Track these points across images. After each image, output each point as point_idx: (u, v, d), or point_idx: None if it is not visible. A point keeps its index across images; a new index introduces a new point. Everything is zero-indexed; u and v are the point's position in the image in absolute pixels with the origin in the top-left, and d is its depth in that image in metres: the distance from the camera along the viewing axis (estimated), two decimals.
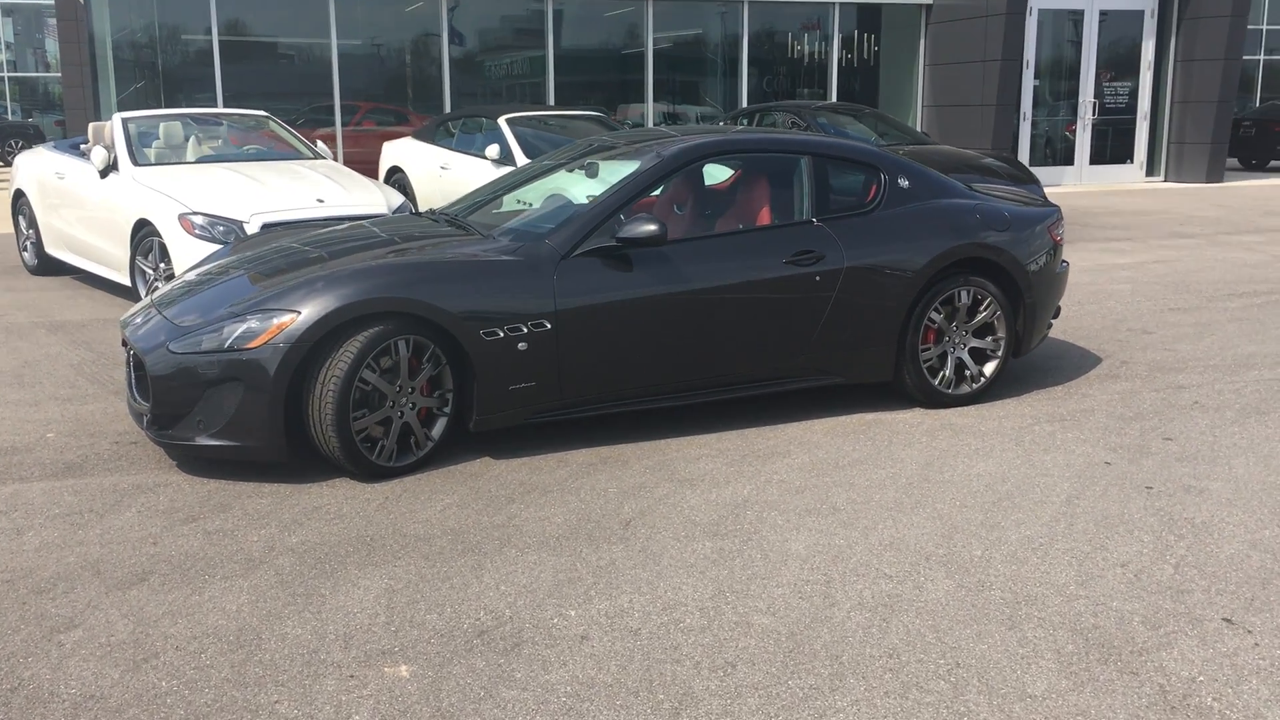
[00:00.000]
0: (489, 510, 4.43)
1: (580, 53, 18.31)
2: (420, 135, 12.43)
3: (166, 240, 7.77)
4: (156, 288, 7.98)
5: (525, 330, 4.89)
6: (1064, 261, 6.28)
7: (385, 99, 18.64)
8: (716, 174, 6.20)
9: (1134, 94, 19.16)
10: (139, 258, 8.10)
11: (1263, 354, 6.92)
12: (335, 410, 4.57)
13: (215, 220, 7.70)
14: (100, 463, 4.96)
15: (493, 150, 10.66)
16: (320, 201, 8.02)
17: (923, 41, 18.76)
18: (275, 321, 4.58)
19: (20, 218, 10.23)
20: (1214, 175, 18.64)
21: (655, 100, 18.03)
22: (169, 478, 4.77)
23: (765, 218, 5.62)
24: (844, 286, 5.48)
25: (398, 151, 12.45)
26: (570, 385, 5.05)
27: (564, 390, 5.05)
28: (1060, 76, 19.05)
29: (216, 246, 7.61)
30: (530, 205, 5.93)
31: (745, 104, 18.31)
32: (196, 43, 16.89)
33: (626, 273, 5.10)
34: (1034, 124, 18.76)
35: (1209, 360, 6.76)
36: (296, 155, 9.48)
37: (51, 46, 38.91)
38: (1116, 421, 5.55)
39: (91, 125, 9.64)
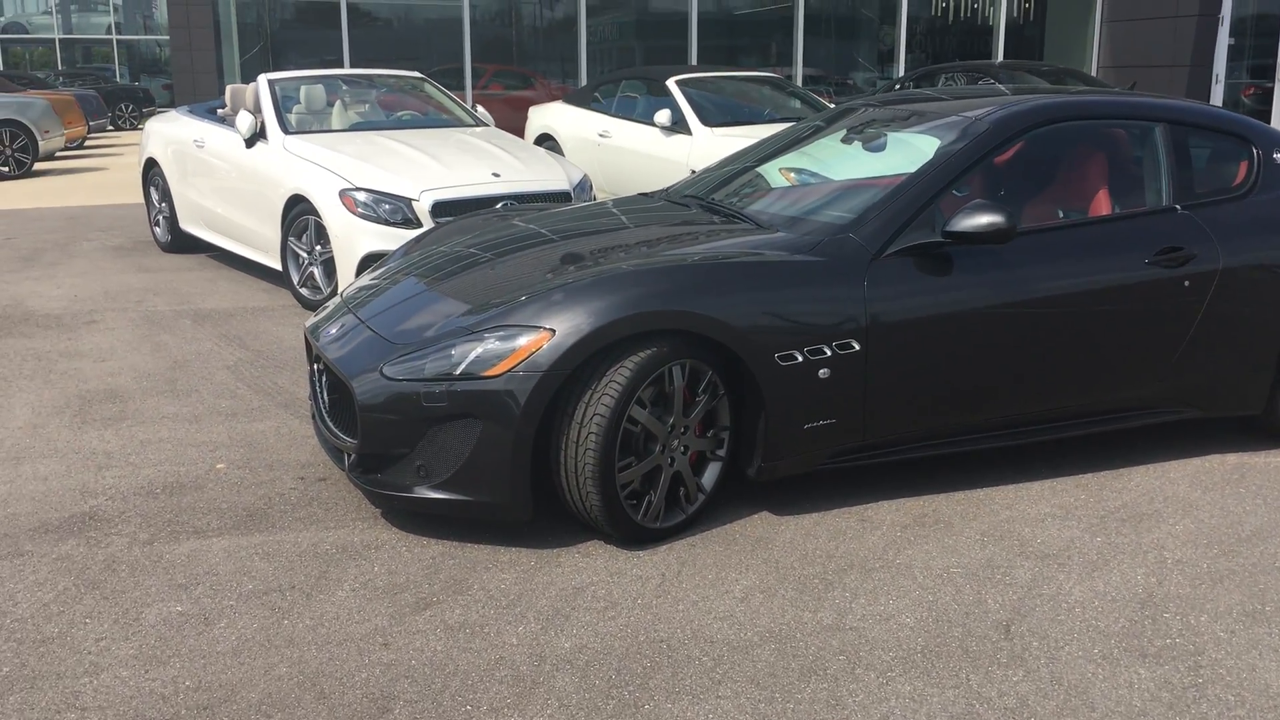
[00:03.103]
0: (808, 601, 3.32)
1: (724, 14, 17.03)
2: (573, 100, 11.33)
3: (325, 219, 6.79)
4: (311, 273, 7.03)
5: (828, 353, 3.75)
6: None
7: (512, 62, 17.61)
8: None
9: None
10: (291, 238, 7.14)
11: None
12: (598, 458, 3.49)
13: (381, 197, 6.69)
14: (288, 509, 3.96)
15: (663, 116, 9.53)
16: (496, 176, 6.97)
17: None
18: (522, 342, 3.51)
19: (153, 189, 9.37)
20: None
21: (805, 64, 16.69)
22: (378, 535, 3.75)
23: (1105, 203, 4.39)
24: (1217, 294, 4.25)
25: (547, 117, 11.37)
26: (876, 422, 3.91)
27: (868, 428, 3.91)
28: (1255, 34, 17.22)
29: (380, 227, 6.62)
30: (797, 184, 4.78)
31: (903, 67, 16.88)
32: (322, 4, 16.02)
33: (945, 276, 3.93)
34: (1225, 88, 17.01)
35: None
36: (457, 122, 8.44)
37: (161, 9, 38.76)
38: None
39: (230, 88, 8.72)
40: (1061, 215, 4.45)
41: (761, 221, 4.22)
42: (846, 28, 17.80)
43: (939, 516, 3.93)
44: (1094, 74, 17.17)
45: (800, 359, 3.71)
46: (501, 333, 3.56)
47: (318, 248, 6.96)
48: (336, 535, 3.75)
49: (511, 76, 17.86)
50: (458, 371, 3.52)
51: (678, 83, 9.85)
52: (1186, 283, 4.20)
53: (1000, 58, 17.29)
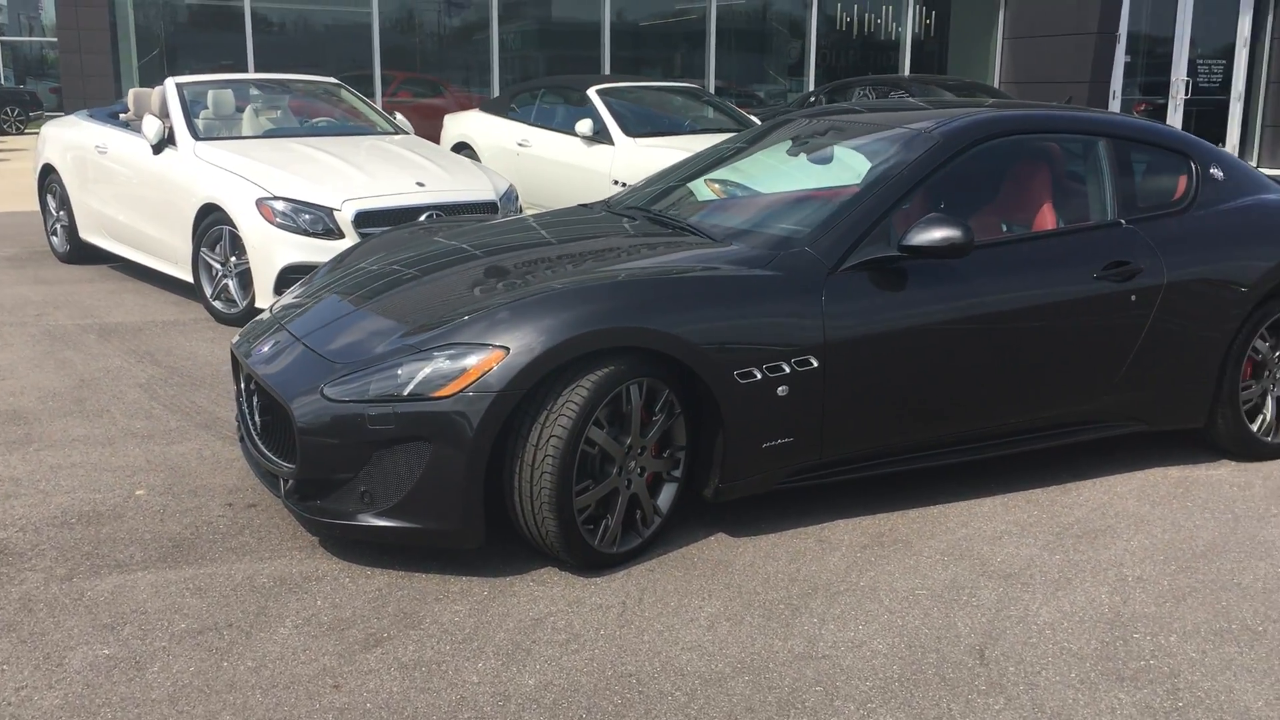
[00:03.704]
0: (776, 628, 3.21)
1: (636, 25, 16.97)
2: (490, 108, 11.13)
3: (241, 229, 6.50)
4: (226, 285, 6.73)
5: (787, 370, 3.66)
6: None
7: (421, 69, 17.30)
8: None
9: (1228, 72, 17.90)
10: (204, 249, 6.83)
11: None
12: (554, 482, 3.34)
13: (300, 207, 6.44)
14: (217, 538, 3.72)
15: (584, 125, 9.40)
16: (421, 186, 6.76)
17: (1002, 13, 17.46)
18: (474, 361, 3.34)
19: (50, 197, 8.91)
20: None
21: (717, 76, 16.71)
22: (317, 565, 3.54)
23: (1052, 217, 4.39)
24: (1162, 308, 4.26)
25: (464, 125, 11.16)
26: (832, 440, 3.83)
27: (824, 447, 3.83)
28: (1147, 53, 17.78)
29: (300, 238, 6.37)
30: (743, 196, 4.69)
31: (812, 80, 17.02)
32: (225, 8, 15.52)
33: (900, 292, 3.87)
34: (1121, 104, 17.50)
35: None
36: (375, 130, 8.19)
37: (48, 9, 37.27)
38: None
39: (133, 92, 8.36)
40: (1009, 229, 4.42)
41: (713, 234, 4.11)
42: (756, 41, 17.88)
43: (896, 535, 3.86)
44: (996, 88, 17.51)
45: (759, 376, 3.61)
46: (451, 351, 3.38)
47: (233, 259, 6.67)
48: (272, 566, 3.53)
49: (420, 84, 17.53)
50: (405, 392, 3.34)
51: (598, 92, 9.73)
52: (1133, 297, 4.21)
53: (907, 71, 17.54)
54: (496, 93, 15.76)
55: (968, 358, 3.96)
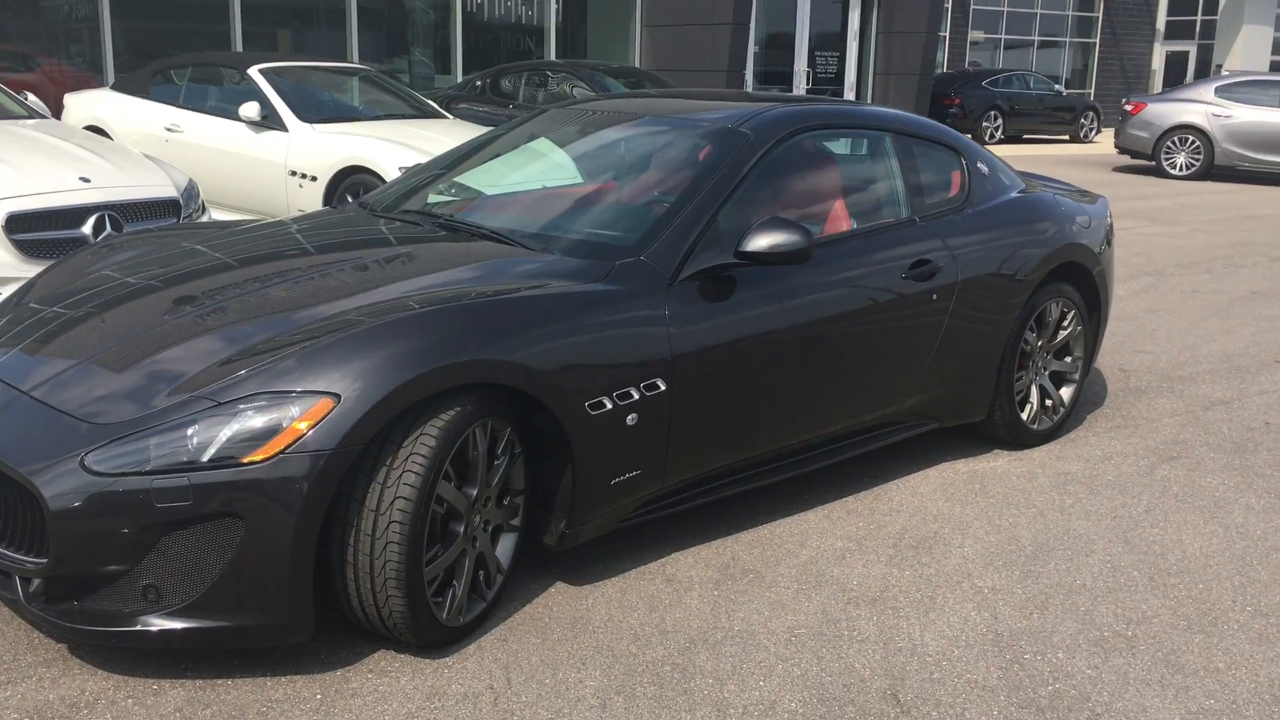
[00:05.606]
0: (677, 698, 2.82)
1: (269, 1, 15.66)
2: (126, 87, 9.74)
3: None
4: None
5: (636, 396, 3.27)
6: None
7: (10, 40, 15.05)
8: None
9: (842, 64, 19.22)
10: None
11: (1232, 330, 6.44)
12: (403, 552, 2.76)
13: None
14: None
15: (249, 109, 8.41)
16: (85, 182, 5.67)
17: (640, 0, 17.73)
18: (296, 412, 2.68)
19: None
20: None
21: (360, 59, 15.75)
22: (80, 684, 2.74)
23: (843, 215, 4.25)
24: (957, 306, 4.26)
25: (94, 107, 9.70)
26: (676, 467, 3.49)
27: (667, 475, 3.48)
28: (772, 44, 18.75)
29: None
30: (538, 191, 4.21)
31: (460, 65, 16.49)
32: None
33: (731, 301, 3.58)
34: None
35: (1189, 352, 6.14)
36: (2, 113, 6.85)
37: None
38: (1224, 454, 4.73)
39: None
40: (826, 227, 4.23)
41: (524, 242, 3.61)
42: (399, 21, 17.05)
43: (742, 565, 3.58)
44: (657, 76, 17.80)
45: (609, 406, 3.19)
46: (261, 402, 2.70)
47: None
48: (18, 694, 2.69)
49: (8, 56, 15.25)
50: (205, 458, 2.63)
51: (262, 72, 8.74)
52: (934, 296, 4.17)
53: (553, 56, 17.40)
54: (111, 69, 14.02)
55: (801, 366, 3.75)
